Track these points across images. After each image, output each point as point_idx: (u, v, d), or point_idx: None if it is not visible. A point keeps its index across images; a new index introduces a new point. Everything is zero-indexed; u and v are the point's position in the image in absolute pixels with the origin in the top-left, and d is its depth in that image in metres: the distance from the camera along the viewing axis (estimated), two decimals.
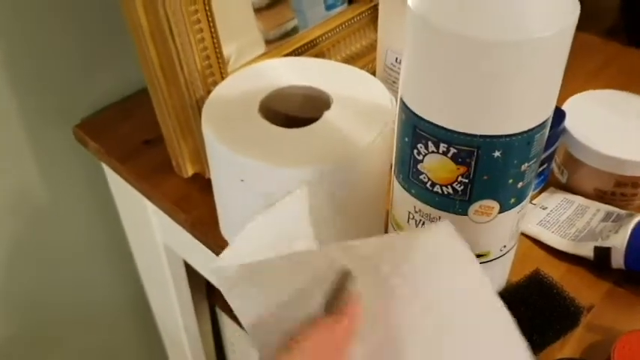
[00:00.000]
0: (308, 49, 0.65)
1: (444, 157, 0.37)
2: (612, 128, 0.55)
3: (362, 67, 0.58)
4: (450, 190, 0.39)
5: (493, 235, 0.41)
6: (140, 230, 0.73)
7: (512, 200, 0.40)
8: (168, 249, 0.71)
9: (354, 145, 0.44)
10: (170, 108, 0.54)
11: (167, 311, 0.83)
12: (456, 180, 0.38)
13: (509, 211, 0.40)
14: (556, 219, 0.53)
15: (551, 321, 0.45)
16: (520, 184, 0.39)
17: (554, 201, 0.55)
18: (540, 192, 0.57)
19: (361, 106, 0.48)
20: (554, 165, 0.58)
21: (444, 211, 0.40)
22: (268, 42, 0.61)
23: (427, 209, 0.41)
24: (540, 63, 0.34)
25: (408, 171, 0.40)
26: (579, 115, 0.56)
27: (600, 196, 0.55)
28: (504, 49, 0.32)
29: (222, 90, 0.50)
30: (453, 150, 0.37)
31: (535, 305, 0.46)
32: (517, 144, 0.36)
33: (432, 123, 0.36)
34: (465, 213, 0.39)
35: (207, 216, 0.54)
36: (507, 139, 0.36)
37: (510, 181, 0.38)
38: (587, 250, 0.50)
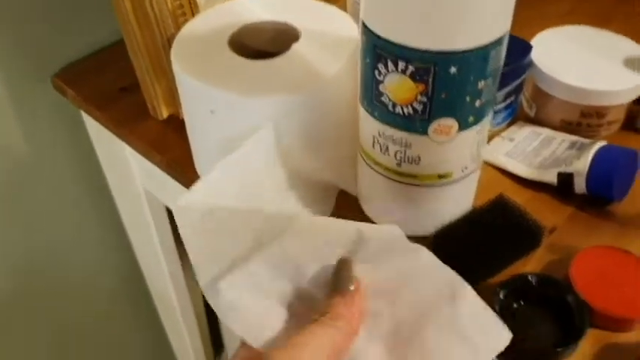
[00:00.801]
0: None
1: (403, 76, 0.38)
2: (578, 61, 0.56)
3: (340, 6, 0.59)
4: (411, 110, 0.40)
5: (454, 155, 0.43)
6: (120, 177, 0.74)
7: (471, 119, 0.41)
8: (149, 194, 0.72)
9: (321, 75, 0.46)
10: (143, 49, 0.55)
11: (151, 258, 0.84)
12: (415, 99, 0.39)
13: (469, 130, 0.41)
14: (522, 149, 0.55)
15: (514, 241, 0.47)
16: (478, 102, 0.40)
17: (522, 133, 0.57)
18: (509, 125, 0.58)
19: (329, 39, 0.49)
20: (523, 99, 0.59)
21: (406, 131, 0.41)
22: None
23: (390, 131, 0.42)
24: None
25: (370, 94, 0.42)
26: (547, 49, 0.57)
27: (567, 127, 0.56)
28: None
29: (192, 27, 0.51)
30: (410, 68, 0.38)
31: (498, 227, 0.47)
32: (473, 60, 0.37)
33: (389, 41, 0.37)
34: (425, 132, 0.41)
35: (182, 156, 0.55)
36: (463, 54, 0.37)
37: (468, 98, 0.39)
38: (550, 177, 0.51)
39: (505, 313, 0.42)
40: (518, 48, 0.55)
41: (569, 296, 0.43)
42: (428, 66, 0.37)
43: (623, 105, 0.55)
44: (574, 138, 0.55)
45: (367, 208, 0.50)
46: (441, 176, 0.44)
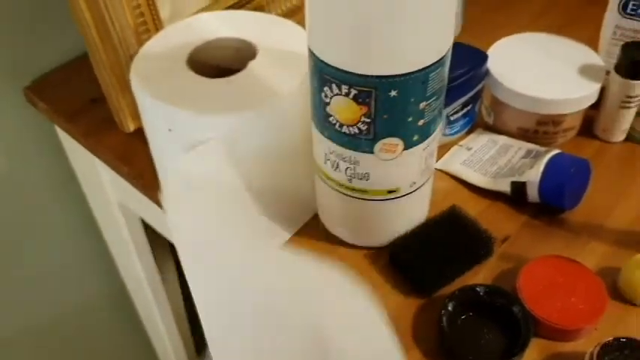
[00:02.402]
0: (247, 3, 0.66)
1: (347, 99, 0.40)
2: (534, 70, 0.57)
3: (299, 21, 0.60)
4: (356, 130, 0.41)
5: (401, 172, 0.44)
6: (95, 189, 0.75)
7: (416, 137, 0.42)
8: (123, 207, 0.73)
9: (276, 92, 0.47)
10: (107, 64, 0.56)
11: (131, 271, 0.86)
12: (360, 120, 0.40)
13: (414, 148, 0.43)
14: (479, 158, 0.56)
15: (466, 251, 0.48)
16: (421, 122, 0.41)
17: (480, 142, 0.58)
18: (468, 133, 0.60)
19: (286, 55, 0.50)
20: (483, 108, 0.61)
21: (353, 150, 0.42)
22: None
23: (339, 150, 0.43)
24: (422, 6, 0.36)
25: (320, 115, 0.43)
26: (503, 58, 0.58)
27: (524, 135, 0.58)
28: None
29: (152, 44, 0.52)
30: (353, 91, 0.39)
31: (451, 238, 0.49)
32: (412, 83, 0.39)
33: (333, 66, 0.39)
34: (371, 151, 0.42)
35: (147, 169, 0.57)
36: (401, 78, 0.38)
37: (410, 119, 0.41)
38: (504, 186, 0.53)
39: (453, 325, 0.44)
40: (475, 58, 0.56)
41: (515, 307, 0.44)
42: (369, 90, 0.39)
43: (579, 112, 0.57)
44: (530, 146, 0.56)
45: (324, 219, 0.52)
46: (390, 191, 0.45)
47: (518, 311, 0.44)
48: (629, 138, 0.59)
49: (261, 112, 0.46)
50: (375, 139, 0.41)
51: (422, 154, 0.44)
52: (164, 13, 0.59)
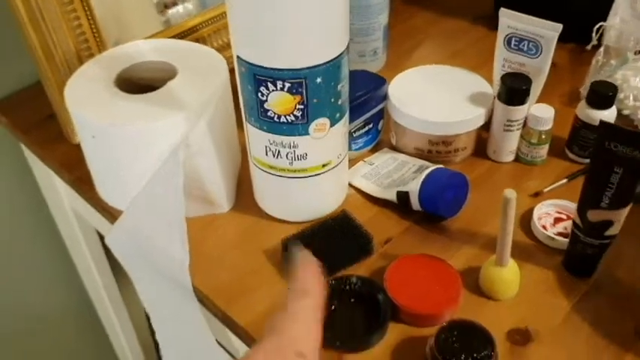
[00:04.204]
0: (189, 34, 0.75)
1: (282, 92, 0.48)
2: (429, 96, 0.65)
3: None
4: (293, 118, 0.50)
5: (331, 146, 0.54)
6: (53, 197, 0.83)
7: (337, 115, 0.52)
8: (77, 215, 0.81)
9: (185, 105, 0.55)
10: (54, 83, 0.64)
11: (91, 280, 0.93)
12: (295, 108, 0.49)
13: (338, 124, 0.53)
14: (378, 172, 0.63)
15: (350, 249, 0.55)
16: (340, 101, 0.51)
17: (382, 158, 0.65)
18: (374, 151, 0.67)
19: (201, 75, 0.58)
20: (392, 132, 0.67)
21: (292, 135, 0.51)
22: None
23: (279, 138, 0.52)
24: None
25: (257, 113, 0.51)
26: (403, 86, 0.66)
27: (420, 155, 0.65)
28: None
29: (88, 66, 0.60)
30: (287, 84, 0.48)
31: (338, 237, 0.56)
32: (331, 69, 0.48)
33: (267, 67, 0.47)
34: (307, 133, 0.51)
35: (88, 176, 0.64)
36: (323, 66, 0.48)
37: (332, 99, 0.50)
38: (392, 195, 0.60)
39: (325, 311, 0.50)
40: (374, 82, 0.64)
41: (380, 295, 0.51)
42: (300, 81, 0.48)
43: (469, 133, 0.64)
44: (423, 162, 0.63)
45: (264, 205, 0.60)
46: (324, 165, 0.55)
47: (381, 298, 0.50)
48: (518, 159, 0.65)
49: (172, 122, 0.54)
50: (309, 122, 0.51)
51: (342, 129, 0.54)
52: (111, 38, 0.67)
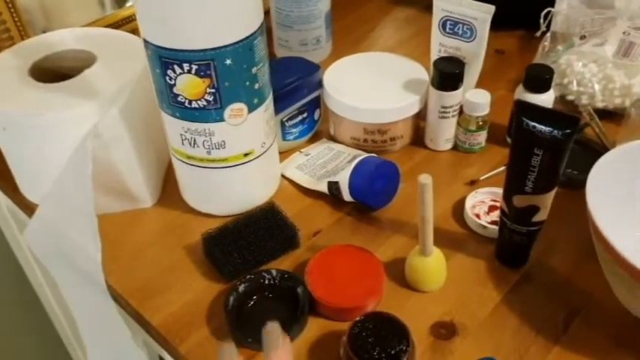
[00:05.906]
0: (125, 24, 0.73)
1: (190, 75, 0.46)
2: (364, 84, 0.63)
3: None
4: (204, 102, 0.48)
5: (251, 134, 0.51)
6: None
7: (256, 100, 0.49)
8: (13, 213, 0.78)
9: (97, 93, 0.52)
10: None
11: (34, 276, 0.90)
12: (206, 92, 0.47)
13: (257, 111, 0.50)
14: (313, 163, 0.61)
15: (275, 242, 0.53)
16: (257, 86, 0.49)
17: (318, 149, 0.63)
18: (311, 142, 0.65)
19: (119, 63, 0.56)
20: (330, 122, 0.65)
21: (206, 122, 0.49)
22: None
23: (194, 126, 0.49)
24: None
25: (167, 98, 0.49)
26: (339, 75, 0.64)
27: (357, 144, 0.63)
28: None
29: (2, 55, 0.58)
30: (194, 66, 0.45)
31: (265, 229, 0.53)
32: (241, 50, 0.46)
33: (171, 49, 0.45)
34: (222, 119, 0.49)
35: (9, 172, 0.61)
36: (231, 47, 0.45)
37: (247, 83, 0.48)
38: (323, 186, 0.57)
39: (241, 306, 0.48)
40: (307, 69, 0.62)
41: (299, 288, 0.48)
42: (208, 62, 0.45)
43: (405, 121, 0.62)
44: (357, 152, 0.61)
45: (188, 199, 0.58)
46: (246, 154, 0.52)
47: (300, 292, 0.48)
48: (456, 147, 0.63)
49: (85, 111, 0.52)
50: (223, 107, 0.48)
51: (263, 115, 0.51)
52: (37, 29, 0.65)
